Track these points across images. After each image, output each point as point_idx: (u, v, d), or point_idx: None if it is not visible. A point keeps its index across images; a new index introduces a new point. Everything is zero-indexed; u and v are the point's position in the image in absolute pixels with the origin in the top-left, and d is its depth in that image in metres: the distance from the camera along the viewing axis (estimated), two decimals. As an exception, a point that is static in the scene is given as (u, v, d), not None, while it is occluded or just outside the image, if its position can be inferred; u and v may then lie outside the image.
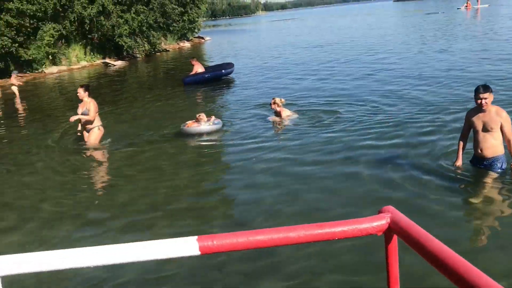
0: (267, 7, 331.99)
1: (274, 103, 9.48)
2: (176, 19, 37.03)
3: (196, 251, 1.20)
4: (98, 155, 8.44)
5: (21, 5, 21.50)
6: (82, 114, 8.46)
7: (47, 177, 7.25)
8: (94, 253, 1.19)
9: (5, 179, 7.43)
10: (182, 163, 7.50)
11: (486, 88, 5.13)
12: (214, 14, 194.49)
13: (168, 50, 35.93)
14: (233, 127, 9.39)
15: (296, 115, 9.63)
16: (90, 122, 8.52)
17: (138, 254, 1.20)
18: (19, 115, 13.94)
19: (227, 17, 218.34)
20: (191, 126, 8.78)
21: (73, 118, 8.60)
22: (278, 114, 9.53)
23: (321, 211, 5.11)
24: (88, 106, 8.38)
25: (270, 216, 5.14)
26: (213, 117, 9.15)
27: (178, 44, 40.84)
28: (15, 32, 21.39)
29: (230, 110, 11.25)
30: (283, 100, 9.69)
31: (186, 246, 1.20)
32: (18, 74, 18.70)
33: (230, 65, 16.79)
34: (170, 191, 6.23)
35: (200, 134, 8.80)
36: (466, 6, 46.63)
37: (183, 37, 43.38)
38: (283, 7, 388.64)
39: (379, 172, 6.08)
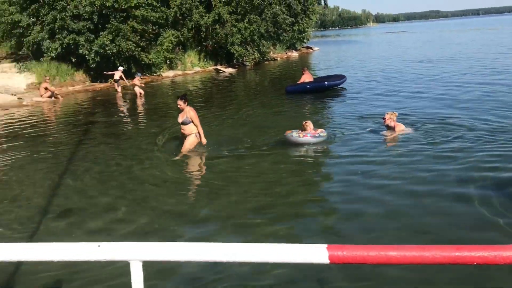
0: (378, 19, 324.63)
1: (389, 118, 9.10)
2: (286, 29, 37.61)
3: (325, 260, 1.20)
4: (199, 158, 8.60)
5: (146, 12, 23.23)
6: (182, 123, 8.65)
7: (153, 174, 7.64)
8: (227, 248, 1.24)
9: (113, 171, 8.02)
10: (285, 171, 7.52)
11: None
12: (323, 25, 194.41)
13: (276, 59, 36.60)
14: (340, 139, 9.23)
15: (409, 130, 9.21)
16: (190, 128, 8.68)
17: (267, 255, 1.23)
18: (139, 114, 15.07)
19: (336, 28, 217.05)
20: (297, 134, 8.81)
21: (204, 141, 8.70)
22: (391, 128, 9.19)
23: (428, 233, 4.86)
24: (189, 115, 8.54)
25: (371, 232, 4.99)
26: (319, 130, 9.06)
27: (286, 53, 41.46)
28: (139, 37, 23.15)
29: (338, 121, 11.08)
30: (396, 113, 9.34)
31: (316, 254, 1.21)
32: (141, 76, 20.26)
33: (337, 77, 16.63)
34: (272, 197, 6.28)
35: (305, 144, 8.80)
36: None
37: (291, 46, 43.94)
38: (395, 19, 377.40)
39: (495, 195, 5.63)
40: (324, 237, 4.93)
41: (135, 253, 1.29)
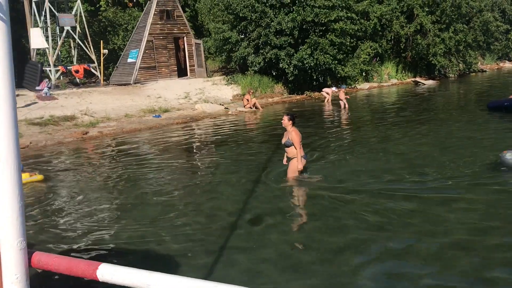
0: None
1: None
2: (499, 38, 33.83)
3: None
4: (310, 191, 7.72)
5: (345, 25, 23.32)
6: (285, 145, 7.84)
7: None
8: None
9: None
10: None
11: None
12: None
13: (485, 71, 33.14)
14: None
15: None
16: (292, 152, 7.77)
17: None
18: (344, 125, 15.02)
19: None
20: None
21: (299, 167, 7.72)
22: None
23: None
24: (291, 136, 7.68)
25: None
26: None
27: (497, 64, 37.25)
28: (336, 50, 23.37)
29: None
30: None
31: None
32: (345, 89, 20.42)
33: None
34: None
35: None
36: None
37: (504, 56, 39.33)
38: None
39: None
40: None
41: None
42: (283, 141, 7.84)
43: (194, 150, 12.36)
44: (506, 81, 25.34)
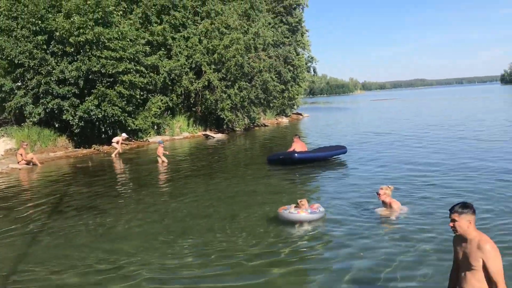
0: (365, 87, 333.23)
1: (384, 193, 8.30)
2: (276, 96, 37.63)
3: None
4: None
5: (134, 78, 22.81)
6: None
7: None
8: None
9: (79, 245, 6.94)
10: (276, 253, 6.53)
11: (454, 207, 3.74)
12: (312, 92, 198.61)
13: (267, 125, 36.24)
14: (335, 217, 8.27)
15: (406, 209, 8.33)
16: None
17: None
18: (118, 183, 13.99)
19: (325, 95, 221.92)
20: (295, 210, 7.86)
21: None
22: (386, 204, 8.32)
23: None
24: None
25: None
26: (316, 204, 8.18)
27: (276, 119, 41.26)
28: (125, 102, 22.58)
29: (332, 196, 10.14)
30: (391, 187, 8.51)
31: None
32: (163, 144, 18.28)
33: (326, 149, 15.79)
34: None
35: (302, 221, 7.83)
36: None
37: (282, 112, 43.88)
38: (381, 87, 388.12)
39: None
40: None
41: None
42: None
43: None
44: (284, 134, 27.98)
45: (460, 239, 3.78)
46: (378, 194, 8.40)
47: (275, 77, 36.21)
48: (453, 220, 3.70)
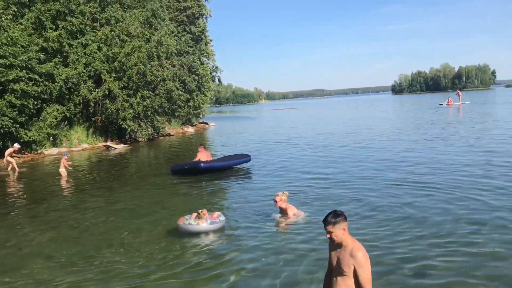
0: (269, 96, 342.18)
1: (280, 199, 8.55)
2: (181, 105, 37.31)
3: None
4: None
5: (27, 86, 21.36)
6: None
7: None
8: None
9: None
10: (176, 265, 6.45)
11: (327, 219, 3.86)
12: (218, 101, 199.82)
13: (172, 135, 35.74)
14: (234, 225, 8.37)
15: (303, 214, 8.65)
16: None
17: None
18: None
19: (231, 104, 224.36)
20: (195, 222, 7.80)
21: None
22: (283, 211, 8.58)
23: None
24: None
25: None
26: (216, 213, 8.19)
27: (182, 128, 40.88)
28: (17, 112, 21.04)
29: (233, 205, 10.24)
30: (286, 193, 8.78)
31: None
32: (66, 156, 16.98)
33: (231, 158, 15.92)
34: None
35: (203, 232, 7.80)
36: (448, 102, 51.40)
37: (187, 122, 43.58)
38: (284, 96, 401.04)
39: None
40: None
41: None
42: None
43: None
44: (190, 144, 27.75)
45: (335, 244, 3.89)
46: (275, 201, 8.63)
47: (180, 86, 35.94)
48: (329, 232, 3.79)
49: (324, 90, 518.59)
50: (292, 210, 8.55)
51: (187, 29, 41.87)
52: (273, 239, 7.47)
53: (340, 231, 3.77)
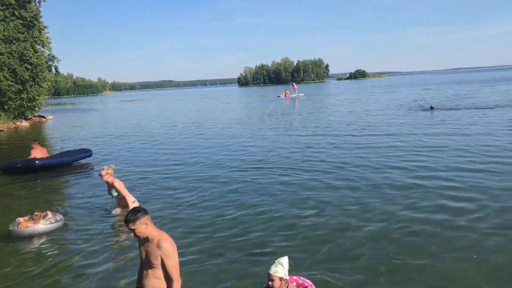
0: (115, 87, 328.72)
1: (106, 173, 8.50)
2: (12, 97, 34.09)
3: None
4: None
5: None
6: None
7: None
8: None
9: None
10: (14, 276, 6.17)
11: (127, 218, 3.85)
12: (57, 92, 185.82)
13: (2, 130, 32.46)
14: (74, 223, 8.22)
15: (135, 203, 8.78)
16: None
17: None
18: None
19: (72, 95, 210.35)
20: (25, 225, 7.43)
21: None
22: (110, 185, 8.57)
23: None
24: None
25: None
26: (49, 213, 7.89)
27: (14, 123, 37.27)
28: None
29: (74, 202, 9.97)
30: (112, 166, 8.81)
31: None
32: None
33: (70, 154, 15.21)
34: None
35: (37, 235, 7.48)
36: (285, 95, 56.45)
37: (20, 115, 39.89)
38: (131, 87, 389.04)
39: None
40: None
41: None
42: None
43: None
44: (24, 140, 25.56)
45: (143, 239, 3.93)
46: (100, 175, 8.59)
47: (10, 76, 32.74)
48: (132, 230, 3.81)
49: (173, 81, 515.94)
50: (119, 184, 8.52)
51: (17, 13, 38.12)
52: (111, 238, 7.51)
53: (142, 226, 3.81)
